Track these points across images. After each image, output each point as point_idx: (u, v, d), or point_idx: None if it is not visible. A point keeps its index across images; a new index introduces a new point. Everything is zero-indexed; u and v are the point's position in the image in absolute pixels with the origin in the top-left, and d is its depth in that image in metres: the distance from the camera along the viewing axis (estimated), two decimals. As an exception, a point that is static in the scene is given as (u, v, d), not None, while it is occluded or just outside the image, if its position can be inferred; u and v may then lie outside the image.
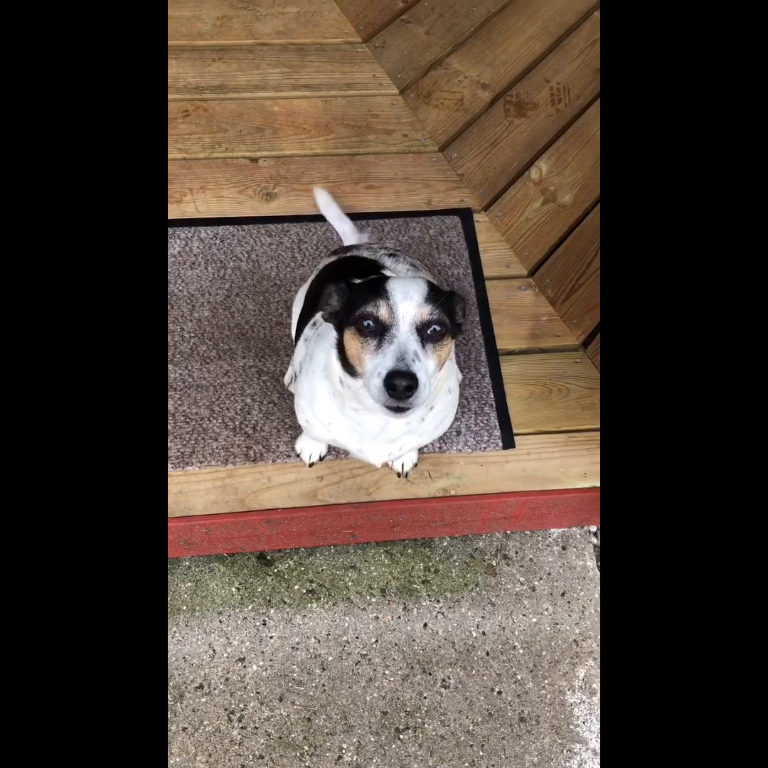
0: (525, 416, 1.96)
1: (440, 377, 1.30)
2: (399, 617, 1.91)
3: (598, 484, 1.89)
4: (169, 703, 1.79)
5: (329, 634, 1.88)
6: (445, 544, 2.01)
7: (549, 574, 1.99)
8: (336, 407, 1.42)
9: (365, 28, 2.74)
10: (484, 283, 2.18)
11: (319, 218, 2.26)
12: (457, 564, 1.99)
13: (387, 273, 1.55)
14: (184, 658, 1.84)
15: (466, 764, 1.75)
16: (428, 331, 1.21)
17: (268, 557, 1.97)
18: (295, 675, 1.83)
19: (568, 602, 1.95)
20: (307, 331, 1.57)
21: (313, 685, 1.83)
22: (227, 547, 1.93)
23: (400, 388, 1.14)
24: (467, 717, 1.81)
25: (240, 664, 1.84)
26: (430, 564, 1.98)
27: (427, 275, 1.69)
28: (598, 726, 1.81)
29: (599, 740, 1.79)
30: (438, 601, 1.94)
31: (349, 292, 1.29)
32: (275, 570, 1.96)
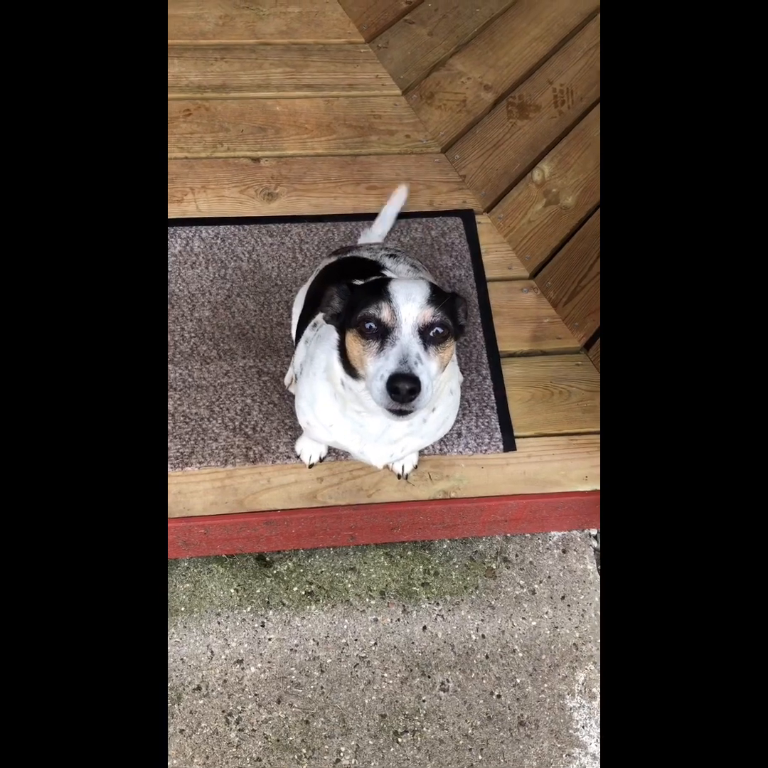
0: (526, 419, 1.96)
1: (442, 379, 1.29)
2: (398, 620, 1.91)
3: (598, 487, 1.88)
4: (166, 704, 1.78)
5: (328, 636, 1.88)
6: (444, 546, 2.01)
7: (549, 577, 1.98)
8: (337, 409, 1.42)
9: (368, 29, 2.74)
10: (486, 285, 2.17)
11: (320, 218, 2.25)
12: (456, 567, 1.98)
13: (387, 274, 1.54)
14: (181, 659, 1.83)
15: (465, 768, 1.75)
16: (431, 334, 1.20)
17: (267, 558, 1.97)
18: (293, 677, 1.83)
19: (568, 606, 1.95)
20: (308, 332, 1.56)
21: (312, 687, 1.82)
22: (226, 548, 1.92)
23: (403, 391, 1.13)
24: (466, 721, 1.80)
25: (238, 665, 1.83)
26: (430, 566, 1.98)
27: (428, 276, 1.68)
28: (598, 731, 1.80)
29: (599, 745, 1.78)
30: (437, 603, 1.93)
31: (350, 293, 1.29)
32: (274, 571, 1.95)
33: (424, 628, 1.90)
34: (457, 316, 1.28)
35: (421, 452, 1.85)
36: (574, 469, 1.90)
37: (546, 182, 2.41)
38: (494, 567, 1.99)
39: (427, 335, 1.20)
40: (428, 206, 2.33)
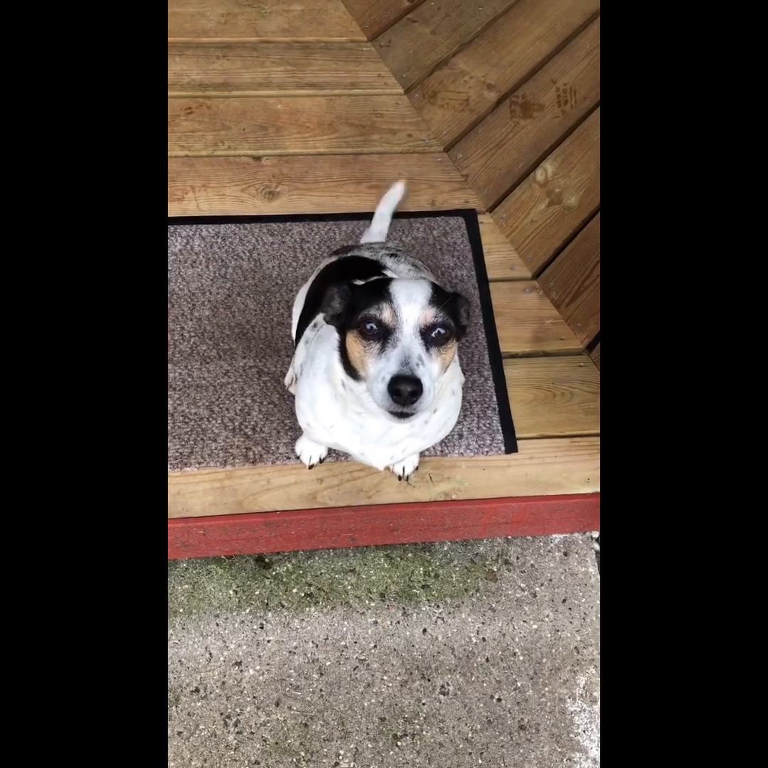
0: (528, 420, 1.94)
1: (444, 380, 1.28)
2: (398, 622, 1.89)
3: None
4: (164, 706, 1.77)
5: (327, 638, 1.86)
6: (445, 548, 1.99)
7: (550, 580, 1.97)
8: (338, 410, 1.40)
9: (371, 27, 2.72)
10: (488, 285, 2.16)
11: (321, 218, 2.24)
12: (457, 569, 1.97)
13: (388, 273, 1.53)
14: (180, 661, 1.82)
15: (465, 772, 1.73)
16: (432, 334, 1.19)
17: (267, 560, 1.95)
18: (292, 680, 1.81)
19: (570, 609, 1.93)
20: (308, 332, 1.55)
21: (311, 690, 1.80)
22: (225, 550, 1.91)
23: (405, 393, 1.12)
24: (466, 724, 1.79)
25: (237, 668, 1.82)
26: (430, 568, 1.96)
27: (429, 275, 1.67)
28: (599, 735, 1.79)
29: (599, 749, 1.77)
30: (438, 606, 1.92)
31: (351, 293, 1.27)
32: (273, 573, 1.94)
33: (425, 630, 1.89)
34: (459, 317, 1.27)
35: (422, 453, 1.84)
36: (576, 471, 1.88)
37: (549, 182, 2.40)
38: (495, 569, 1.97)
39: (429, 336, 1.19)
40: (430, 206, 2.31)
